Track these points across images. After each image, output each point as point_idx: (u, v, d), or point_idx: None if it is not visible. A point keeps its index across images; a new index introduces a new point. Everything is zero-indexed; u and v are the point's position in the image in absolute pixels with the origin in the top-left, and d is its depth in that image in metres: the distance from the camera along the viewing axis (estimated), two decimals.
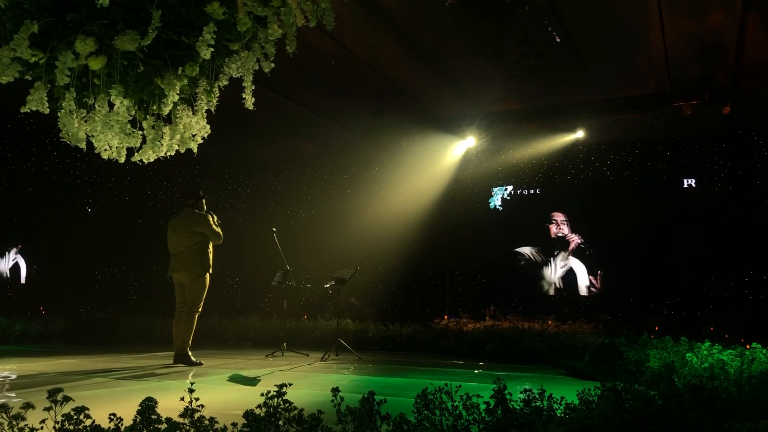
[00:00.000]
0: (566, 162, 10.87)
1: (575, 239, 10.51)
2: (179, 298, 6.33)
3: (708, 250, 9.74)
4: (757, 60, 7.61)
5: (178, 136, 2.92)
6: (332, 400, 2.20)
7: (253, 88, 2.88)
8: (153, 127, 2.87)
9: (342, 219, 11.36)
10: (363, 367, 6.28)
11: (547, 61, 7.40)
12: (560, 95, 8.67)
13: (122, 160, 2.91)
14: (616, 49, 7.45)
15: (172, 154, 2.96)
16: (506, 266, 11.11)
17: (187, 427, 2.01)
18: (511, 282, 11.06)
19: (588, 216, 10.80)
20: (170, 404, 2.83)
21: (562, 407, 2.38)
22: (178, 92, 2.69)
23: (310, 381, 5.08)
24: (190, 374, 5.44)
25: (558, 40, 6.81)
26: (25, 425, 1.92)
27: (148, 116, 2.86)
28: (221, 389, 4.58)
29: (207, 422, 2.03)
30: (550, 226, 10.71)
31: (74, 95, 2.62)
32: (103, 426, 2.00)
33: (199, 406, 2.10)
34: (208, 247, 6.32)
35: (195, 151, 3.05)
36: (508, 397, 2.29)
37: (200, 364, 6.11)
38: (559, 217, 10.71)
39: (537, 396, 2.37)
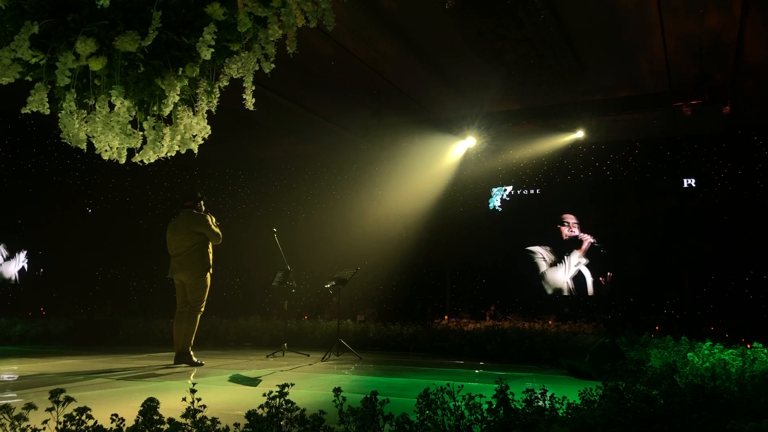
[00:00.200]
0: (566, 162, 10.87)
1: (588, 239, 10.50)
2: (180, 299, 6.35)
3: (708, 250, 9.74)
4: (757, 59, 7.61)
5: (178, 137, 2.92)
6: (334, 400, 2.20)
7: (254, 88, 2.88)
8: (153, 128, 2.86)
9: (342, 219, 11.36)
10: (364, 367, 6.27)
11: (547, 61, 7.41)
12: (560, 95, 8.66)
13: (123, 160, 2.91)
14: (615, 49, 7.45)
15: (173, 154, 2.96)
16: (506, 266, 11.10)
17: (190, 428, 2.00)
18: (516, 281, 11.05)
19: (588, 215, 10.80)
20: (172, 404, 2.83)
21: (564, 407, 2.38)
22: (178, 93, 2.69)
23: (311, 381, 5.08)
24: (192, 375, 5.44)
25: (554, 34, 6.81)
26: (28, 426, 1.92)
27: (148, 117, 2.86)
28: (223, 389, 4.57)
29: (209, 422, 2.03)
30: (562, 228, 10.70)
31: (75, 96, 2.62)
32: (105, 426, 2.00)
33: (201, 406, 2.09)
34: (208, 247, 6.35)
35: (195, 151, 3.04)
36: (510, 397, 2.29)
37: (201, 364, 6.12)
38: (570, 219, 10.69)
39: (539, 396, 2.37)
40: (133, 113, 2.80)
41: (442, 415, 2.24)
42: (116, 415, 2.04)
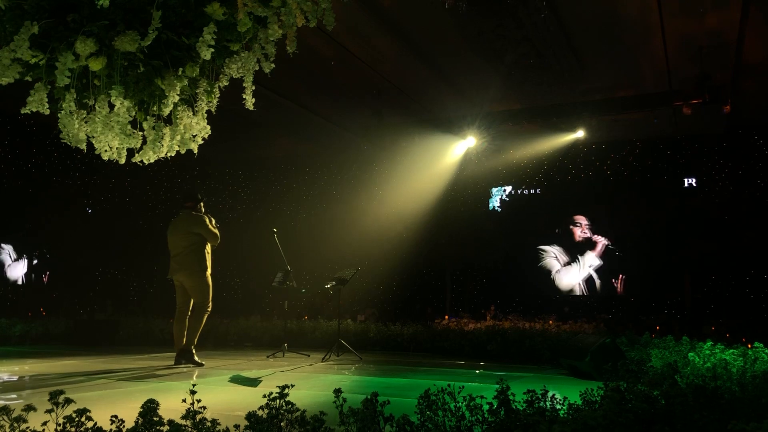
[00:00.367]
0: (566, 162, 10.86)
1: (602, 241, 10.48)
2: (180, 300, 6.36)
3: (709, 250, 9.73)
4: (757, 59, 7.61)
5: (178, 137, 2.92)
6: (334, 401, 2.19)
7: (254, 88, 2.87)
8: (153, 128, 2.86)
9: (342, 219, 11.36)
10: (364, 367, 6.27)
11: (547, 61, 7.40)
12: (560, 95, 8.66)
13: (123, 160, 2.90)
14: (616, 48, 7.45)
15: (173, 154, 2.96)
16: (507, 266, 11.09)
17: (189, 429, 2.00)
18: (517, 280, 11.03)
19: (587, 215, 10.80)
20: (172, 405, 2.82)
21: (565, 408, 2.37)
22: (178, 93, 2.69)
23: (311, 382, 5.07)
24: (192, 375, 5.44)
25: (554, 34, 6.80)
26: (27, 427, 1.91)
27: (148, 117, 2.86)
28: (223, 390, 4.57)
29: (209, 424, 2.02)
30: (574, 229, 10.68)
31: (74, 96, 2.61)
32: (104, 428, 2.00)
33: (201, 407, 2.09)
34: (205, 248, 6.36)
35: (195, 151, 3.04)
36: (511, 397, 2.28)
37: (202, 364, 6.13)
38: (582, 220, 10.67)
39: (540, 396, 2.37)
40: (133, 113, 2.80)
41: (443, 416, 2.23)
42: (116, 417, 2.03)
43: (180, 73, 2.69)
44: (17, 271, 11.93)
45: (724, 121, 9.29)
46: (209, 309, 6.34)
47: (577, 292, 10.64)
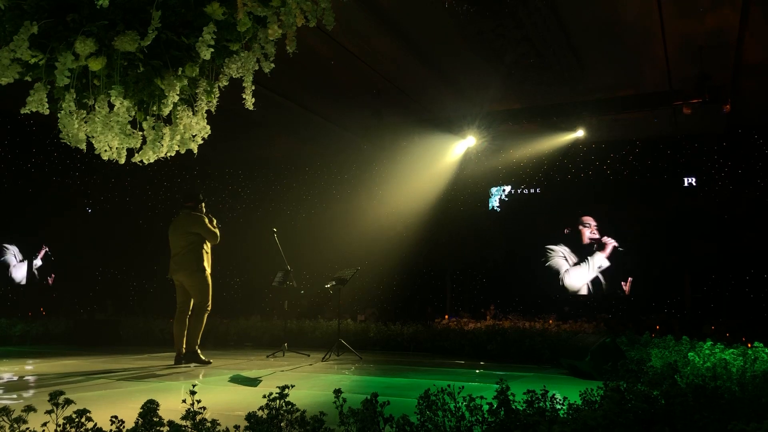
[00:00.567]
0: (566, 161, 10.86)
1: (612, 242, 10.47)
2: (180, 298, 6.37)
3: (708, 249, 9.73)
4: (757, 59, 7.60)
5: (178, 137, 2.92)
6: (334, 402, 2.19)
7: (253, 88, 2.87)
8: (153, 128, 2.86)
9: (342, 219, 11.35)
10: (364, 367, 6.27)
11: (547, 60, 7.40)
12: (560, 94, 8.66)
13: (122, 160, 2.90)
14: (616, 47, 7.45)
15: (172, 154, 2.96)
16: (507, 265, 11.08)
17: (189, 430, 2.00)
18: (517, 280, 11.02)
19: (586, 215, 10.80)
20: (172, 405, 2.82)
21: (565, 408, 2.37)
22: (178, 93, 2.69)
23: (311, 381, 5.07)
24: (192, 375, 5.44)
25: (554, 33, 6.80)
26: (27, 428, 1.91)
27: (148, 117, 2.85)
28: (223, 390, 4.57)
29: (209, 424, 2.02)
30: (583, 229, 10.67)
31: (74, 96, 2.61)
32: (104, 429, 2.00)
33: (200, 408, 2.09)
34: (203, 248, 6.37)
35: (195, 151, 3.04)
36: (510, 397, 2.28)
37: (209, 363, 6.18)
38: (590, 221, 10.66)
39: (540, 396, 2.36)
40: (133, 113, 2.79)
41: (443, 417, 2.23)
42: (116, 417, 2.03)
43: (180, 72, 2.68)
44: (22, 272, 11.95)
45: (724, 121, 9.29)
46: (209, 308, 6.36)
47: (584, 293, 10.63)
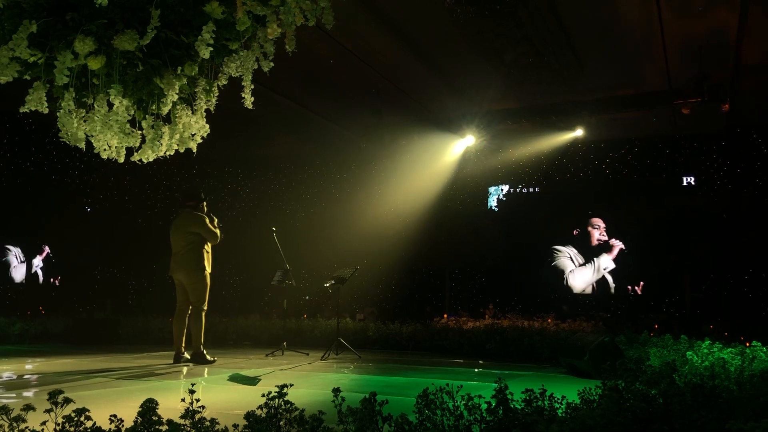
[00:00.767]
0: (565, 160, 10.87)
1: (619, 245, 10.47)
2: (180, 297, 6.38)
3: (707, 248, 9.74)
4: (756, 58, 7.61)
5: (177, 136, 2.91)
6: (333, 400, 2.20)
7: (253, 87, 2.87)
8: (152, 127, 2.85)
9: (341, 218, 11.36)
10: (363, 366, 6.28)
11: (546, 60, 7.40)
12: (559, 94, 8.66)
13: (121, 159, 2.90)
14: (615, 47, 7.45)
15: (172, 153, 2.95)
16: (505, 265, 11.09)
17: (188, 429, 2.00)
18: (516, 279, 11.02)
19: (585, 213, 10.81)
20: (171, 404, 2.83)
21: (563, 407, 2.38)
22: (177, 92, 2.68)
23: (310, 380, 5.07)
24: (191, 374, 5.44)
25: (553, 33, 6.80)
26: (26, 427, 1.91)
27: (147, 116, 2.85)
28: (222, 389, 4.57)
29: (208, 423, 2.02)
30: (592, 231, 10.67)
31: (73, 95, 2.61)
32: (103, 428, 2.00)
33: (199, 407, 2.09)
34: (204, 247, 6.37)
35: (194, 150, 3.04)
36: (509, 396, 2.29)
37: (213, 361, 6.21)
38: (600, 222, 10.66)
39: (538, 395, 2.37)
40: (132, 112, 2.79)
41: (441, 416, 2.23)
42: (115, 416, 2.03)
43: (179, 71, 2.68)
44: (21, 272, 11.95)
45: (723, 120, 9.29)
46: (205, 308, 6.35)
47: (588, 293, 10.64)
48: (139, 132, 2.84)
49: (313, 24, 2.81)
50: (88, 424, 1.96)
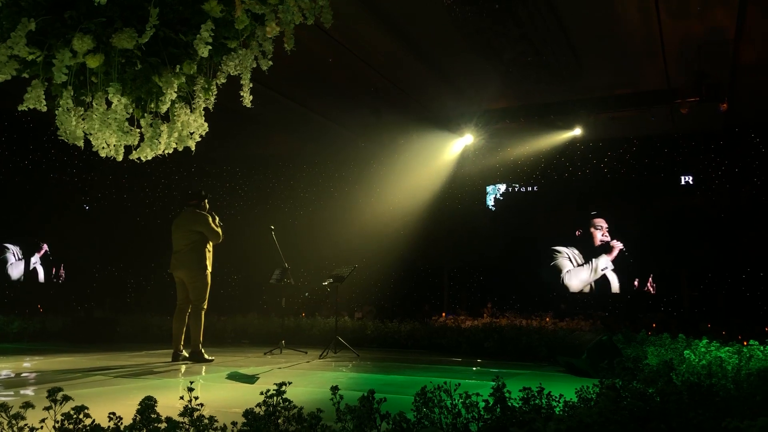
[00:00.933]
0: (564, 159, 10.88)
1: (619, 245, 10.48)
2: (180, 295, 6.38)
3: (705, 247, 9.76)
4: (755, 58, 7.62)
5: (176, 134, 2.91)
6: (331, 399, 2.20)
7: (251, 86, 2.87)
8: (151, 125, 2.85)
9: (340, 217, 11.36)
10: (361, 364, 6.28)
11: (545, 59, 7.40)
12: (557, 93, 8.67)
13: (120, 158, 2.90)
14: (613, 46, 7.45)
15: (170, 152, 2.95)
16: (503, 263, 11.10)
17: (187, 426, 2.00)
18: (515, 278, 11.04)
19: (584, 212, 10.82)
20: (169, 402, 2.83)
21: (560, 405, 2.38)
22: (175, 90, 2.68)
23: (308, 379, 5.08)
24: (189, 372, 5.44)
25: (552, 32, 6.80)
26: (25, 425, 1.92)
27: (145, 114, 2.85)
28: (220, 387, 4.58)
29: (207, 421, 2.03)
30: (595, 231, 10.68)
31: (72, 93, 2.61)
32: (102, 425, 2.00)
33: (198, 404, 2.09)
34: (206, 246, 6.38)
35: (193, 149, 3.04)
36: (507, 395, 2.29)
37: (211, 360, 6.20)
38: (602, 223, 10.67)
39: (536, 394, 2.38)
40: (131, 110, 2.79)
41: (439, 414, 2.24)
42: (114, 414, 2.04)
43: (177, 70, 2.68)
44: (19, 269, 11.94)
45: (721, 120, 9.31)
46: (204, 307, 6.36)
47: (587, 292, 10.65)
48: (138, 130, 2.84)
49: (311, 23, 2.81)
50: (87, 421, 1.97)
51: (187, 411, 2.05)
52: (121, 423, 2.03)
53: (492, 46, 7.12)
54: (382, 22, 6.96)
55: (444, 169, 10.90)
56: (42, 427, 1.94)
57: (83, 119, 2.74)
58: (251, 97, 2.88)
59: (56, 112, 2.66)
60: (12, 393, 4.18)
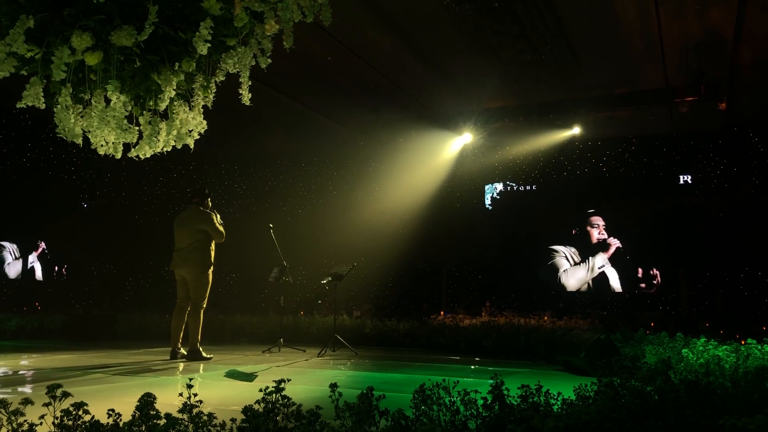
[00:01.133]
0: (562, 158, 10.89)
1: (616, 243, 10.49)
2: (180, 293, 6.38)
3: (704, 246, 9.78)
4: (753, 57, 7.62)
5: (174, 132, 2.92)
6: (330, 396, 2.20)
7: (250, 83, 2.87)
8: (149, 123, 2.86)
9: (339, 215, 11.36)
10: (360, 362, 6.29)
11: (544, 58, 7.41)
12: (556, 91, 8.67)
13: (119, 155, 2.90)
14: (612, 45, 7.46)
15: (169, 149, 2.96)
16: (503, 262, 11.11)
17: (186, 423, 2.01)
18: (513, 276, 11.04)
19: (583, 211, 10.83)
20: (168, 400, 2.83)
21: (559, 403, 2.39)
22: (174, 88, 2.68)
23: (307, 376, 5.08)
24: (188, 370, 5.45)
25: (551, 31, 6.80)
26: (25, 421, 1.92)
27: (144, 112, 2.85)
28: (219, 385, 4.58)
29: (206, 418, 2.03)
30: (591, 230, 10.68)
31: (70, 90, 2.61)
32: (102, 421, 2.00)
33: (197, 401, 2.10)
34: (210, 245, 6.39)
35: (191, 146, 3.04)
36: (505, 392, 2.30)
37: (209, 358, 6.19)
38: (599, 221, 10.66)
39: (534, 392, 2.38)
40: (129, 108, 2.79)
41: (438, 411, 2.25)
42: (113, 410, 2.04)
43: (176, 68, 2.68)
44: (17, 268, 11.92)
45: (720, 119, 9.32)
46: (204, 306, 6.37)
47: (584, 291, 10.65)
48: (137, 128, 2.84)
49: (311, 21, 2.81)
50: (86, 417, 1.97)
51: (186, 408, 2.06)
52: (120, 419, 2.03)
53: (491, 45, 7.13)
54: (381, 20, 6.96)
55: (443, 168, 10.91)
56: (41, 423, 1.94)
57: (82, 117, 2.74)
58: (250, 95, 2.88)
59: (55, 109, 2.66)
60: (10, 390, 4.17)
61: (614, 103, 8.94)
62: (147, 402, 2.02)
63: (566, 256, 10.77)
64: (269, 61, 2.85)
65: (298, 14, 2.73)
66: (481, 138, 10.03)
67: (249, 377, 5.01)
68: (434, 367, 6.02)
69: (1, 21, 2.44)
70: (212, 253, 6.42)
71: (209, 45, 2.54)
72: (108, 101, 2.68)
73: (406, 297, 11.32)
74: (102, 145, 2.83)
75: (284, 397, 2.13)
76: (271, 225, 7.34)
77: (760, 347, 4.47)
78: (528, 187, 11.30)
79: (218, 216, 6.51)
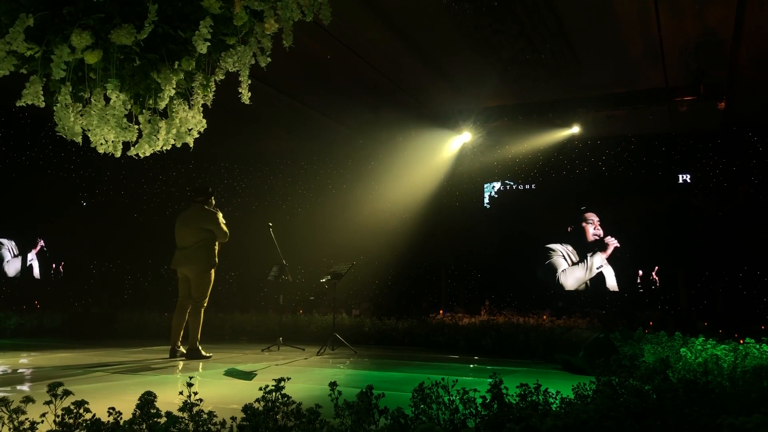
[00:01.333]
0: (562, 157, 10.89)
1: (614, 242, 10.49)
2: (182, 292, 6.37)
3: (703, 246, 9.79)
4: (753, 56, 7.63)
5: (174, 131, 2.92)
6: (330, 394, 2.21)
7: (250, 82, 2.87)
8: (149, 122, 2.86)
9: (338, 214, 11.37)
10: (359, 361, 6.29)
11: (543, 57, 7.41)
12: (555, 90, 8.67)
13: (118, 154, 2.90)
14: (611, 44, 7.46)
15: (168, 148, 2.96)
16: (502, 261, 11.12)
17: (186, 421, 2.01)
18: (512, 275, 11.05)
19: (582, 210, 10.84)
20: (168, 398, 2.84)
21: (557, 401, 2.40)
22: (174, 86, 2.69)
23: (306, 375, 5.09)
24: (187, 368, 5.45)
25: (551, 30, 6.81)
26: (26, 419, 1.92)
27: (144, 110, 2.86)
28: (218, 383, 4.58)
29: (206, 416, 2.04)
30: (586, 226, 10.67)
31: (70, 89, 2.61)
32: (102, 420, 2.01)
33: (197, 400, 2.10)
34: (214, 244, 6.39)
35: (191, 145, 3.04)
36: (504, 391, 2.30)
37: (209, 357, 6.18)
38: (593, 217, 10.65)
39: (533, 390, 2.39)
40: (129, 107, 2.79)
41: (437, 409, 2.25)
42: (113, 409, 2.04)
43: (176, 66, 2.69)
44: (15, 266, 11.91)
45: (719, 118, 9.33)
46: (205, 305, 6.37)
47: (582, 290, 10.65)
48: (136, 126, 2.84)
49: (310, 19, 2.81)
50: (87, 416, 1.97)
51: (187, 406, 2.06)
52: (121, 418, 2.04)
53: (490, 44, 7.13)
54: (381, 19, 6.96)
55: (442, 167, 10.91)
56: (43, 422, 1.95)
57: (81, 115, 2.74)
58: (250, 94, 2.88)
59: (54, 108, 2.66)
60: (11, 388, 4.18)
61: (613, 102, 8.95)
62: (147, 400, 2.03)
63: (563, 255, 10.78)
64: (269, 59, 2.85)
65: (297, 13, 2.74)
66: (481, 137, 10.04)
67: (248, 376, 5.01)
68: (433, 365, 6.03)
69: (1, 19, 2.44)
70: (216, 253, 6.42)
71: (209, 44, 2.54)
72: (108, 100, 2.68)
73: (405, 296, 11.33)
74: (101, 144, 2.83)
75: (284, 395, 2.14)
76: (270, 224, 7.34)
77: (758, 346, 4.48)
78: (527, 186, 11.31)
79: (221, 214, 6.51)
